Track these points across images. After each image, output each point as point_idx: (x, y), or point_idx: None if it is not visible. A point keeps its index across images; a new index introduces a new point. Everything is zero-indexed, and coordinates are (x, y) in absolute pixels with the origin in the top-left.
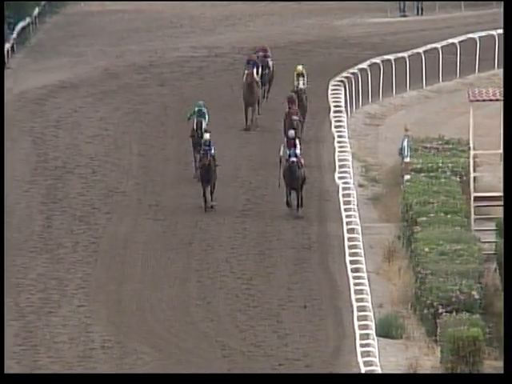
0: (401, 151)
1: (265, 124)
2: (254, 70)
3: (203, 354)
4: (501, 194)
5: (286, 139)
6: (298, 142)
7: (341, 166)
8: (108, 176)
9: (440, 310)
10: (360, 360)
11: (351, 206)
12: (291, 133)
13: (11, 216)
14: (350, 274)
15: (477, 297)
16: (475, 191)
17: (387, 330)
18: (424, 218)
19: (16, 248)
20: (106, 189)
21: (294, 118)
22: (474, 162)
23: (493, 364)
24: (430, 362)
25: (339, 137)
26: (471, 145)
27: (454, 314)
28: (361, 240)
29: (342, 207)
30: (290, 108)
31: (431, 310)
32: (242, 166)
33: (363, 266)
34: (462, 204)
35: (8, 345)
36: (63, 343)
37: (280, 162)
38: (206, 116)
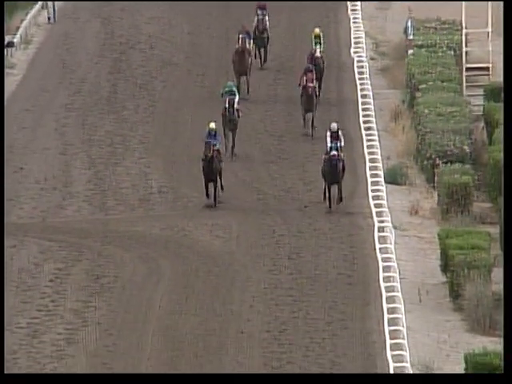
0: (405, 30)
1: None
2: (246, 40)
3: (242, 197)
4: (488, 64)
5: (329, 132)
6: (340, 133)
7: (355, 43)
8: (163, 51)
9: (437, 161)
10: (371, 202)
11: (364, 76)
12: (333, 126)
13: (83, 84)
14: (363, 132)
15: (468, 150)
16: (467, 63)
17: (393, 177)
18: (424, 86)
19: (88, 110)
20: (162, 61)
21: (310, 85)
22: (466, 38)
23: (480, 205)
24: (428, 204)
25: (354, 18)
26: (463, 24)
27: (449, 164)
28: (372, 103)
29: (357, 76)
30: (306, 79)
31: (430, 161)
32: None
33: (374, 125)
34: (455, 73)
35: (81, 189)
36: (126, 189)
37: (324, 159)
38: (237, 95)
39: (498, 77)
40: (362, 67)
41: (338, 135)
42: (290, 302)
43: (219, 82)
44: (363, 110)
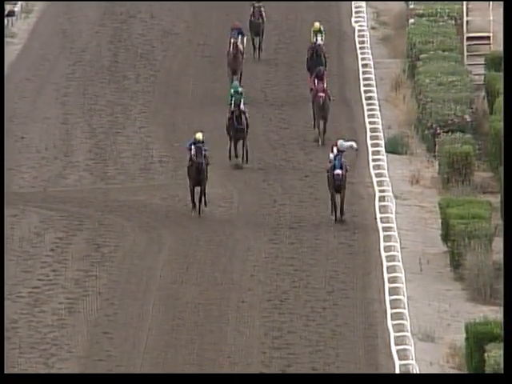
0: None
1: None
2: (239, 40)
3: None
4: (489, 34)
5: (335, 148)
6: (354, 143)
7: (356, 12)
8: (164, 20)
9: (438, 131)
10: (372, 172)
11: (365, 45)
12: (340, 143)
13: (84, 53)
14: (364, 101)
15: (468, 120)
16: (468, 32)
17: (394, 147)
18: (425, 55)
19: (88, 79)
20: (163, 31)
21: (320, 94)
22: (467, 7)
23: (481, 175)
24: (429, 173)
25: None
26: None
27: (450, 133)
28: (373, 73)
29: (358, 46)
30: (317, 87)
31: (431, 130)
32: None
33: (375, 95)
34: (456, 43)
35: (82, 159)
36: (127, 158)
37: (328, 172)
38: (243, 95)
39: (498, 46)
40: (363, 36)
41: (343, 153)
42: (290, 272)
43: (220, 51)
44: (364, 79)
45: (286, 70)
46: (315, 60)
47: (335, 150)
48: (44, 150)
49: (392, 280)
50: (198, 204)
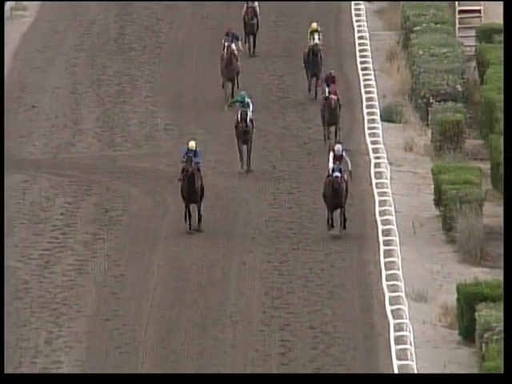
0: None
1: None
2: (233, 45)
3: None
4: (480, 7)
5: (332, 153)
6: (345, 155)
7: None
8: None
9: (431, 100)
10: (368, 139)
11: (361, 18)
12: (338, 148)
13: (92, 25)
14: (360, 72)
15: (460, 89)
16: (459, 5)
17: (389, 115)
18: (418, 27)
19: (96, 50)
20: (167, 5)
21: (332, 97)
22: None
23: (472, 142)
24: (422, 141)
25: None
26: None
27: (442, 102)
28: (368, 44)
29: (354, 18)
30: (329, 91)
31: (424, 99)
32: None
33: (370, 65)
34: (448, 16)
35: (91, 126)
36: (134, 126)
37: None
38: (251, 105)
39: (489, 19)
40: (359, 10)
41: (341, 157)
42: (290, 235)
43: (222, 23)
44: (360, 50)
45: (286, 41)
46: (312, 59)
47: (331, 154)
48: (54, 118)
49: (387, 243)
50: (191, 221)
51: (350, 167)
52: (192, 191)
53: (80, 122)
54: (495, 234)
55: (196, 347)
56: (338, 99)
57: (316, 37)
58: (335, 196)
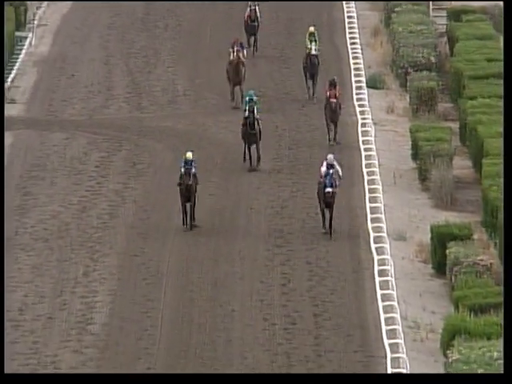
0: None
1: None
2: (240, 54)
3: None
4: None
5: (325, 162)
6: (337, 165)
7: None
8: None
9: (409, 70)
10: (355, 103)
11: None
12: (330, 158)
13: (121, 7)
14: (349, 46)
15: (433, 61)
16: None
17: (374, 83)
18: (399, 8)
19: (126, 28)
20: None
21: (332, 100)
22: None
23: (444, 105)
24: (402, 104)
25: None
26: None
27: (418, 72)
28: (356, 23)
29: (344, 0)
30: (329, 93)
31: (403, 69)
32: None
33: (358, 40)
34: None
35: (121, 92)
36: (158, 92)
37: (319, 184)
38: (257, 103)
39: (458, 2)
40: None
41: (332, 166)
42: (290, 184)
43: (232, 8)
44: (349, 28)
45: (287, 21)
46: (310, 67)
47: (325, 163)
48: (90, 85)
49: (371, 191)
50: (188, 218)
51: (340, 175)
52: (188, 199)
53: (112, 89)
54: (463, 184)
55: (210, 279)
56: (338, 102)
57: (313, 46)
58: (327, 206)
